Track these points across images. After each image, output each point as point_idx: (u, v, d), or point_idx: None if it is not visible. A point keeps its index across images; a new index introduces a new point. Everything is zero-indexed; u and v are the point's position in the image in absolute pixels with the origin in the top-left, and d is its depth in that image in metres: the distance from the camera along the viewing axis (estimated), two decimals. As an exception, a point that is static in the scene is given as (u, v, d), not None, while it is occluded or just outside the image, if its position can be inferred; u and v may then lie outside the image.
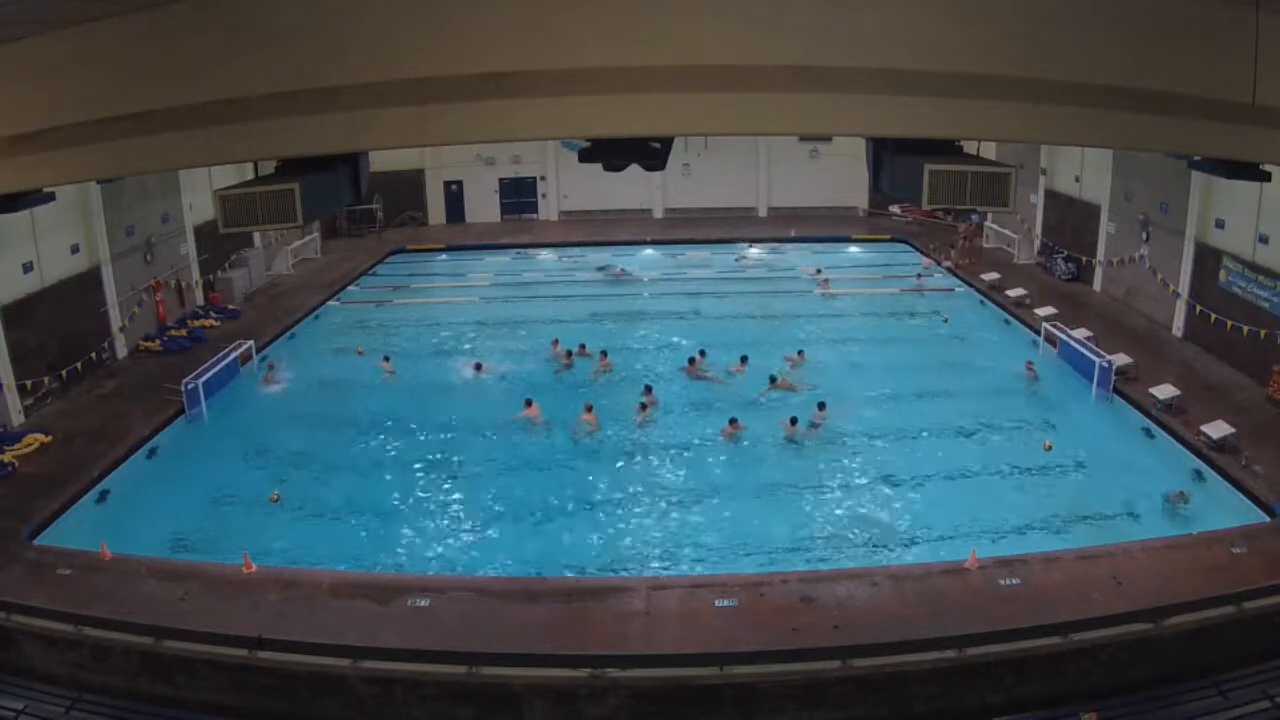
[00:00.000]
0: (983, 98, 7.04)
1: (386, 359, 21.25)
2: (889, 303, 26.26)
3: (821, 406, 17.82)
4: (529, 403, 17.85)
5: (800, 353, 20.98)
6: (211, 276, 25.77)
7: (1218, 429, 15.55)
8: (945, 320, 24.39)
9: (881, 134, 8.39)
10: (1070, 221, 27.22)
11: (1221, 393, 17.76)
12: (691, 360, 20.64)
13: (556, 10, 6.85)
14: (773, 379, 18.79)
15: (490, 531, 14.39)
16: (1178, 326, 21.36)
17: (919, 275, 28.00)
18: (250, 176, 8.68)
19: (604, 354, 21.03)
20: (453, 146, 28.78)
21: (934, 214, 32.16)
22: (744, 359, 20.49)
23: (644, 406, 17.92)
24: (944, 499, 15.01)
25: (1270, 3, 6.81)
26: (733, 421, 17.10)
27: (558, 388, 19.78)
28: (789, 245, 32.53)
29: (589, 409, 17.77)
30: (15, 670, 11.29)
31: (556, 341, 21.80)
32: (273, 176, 8.47)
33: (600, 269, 30.07)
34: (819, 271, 28.03)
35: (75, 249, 19.89)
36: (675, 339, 22.90)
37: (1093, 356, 18.88)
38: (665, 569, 13.27)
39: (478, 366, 20.61)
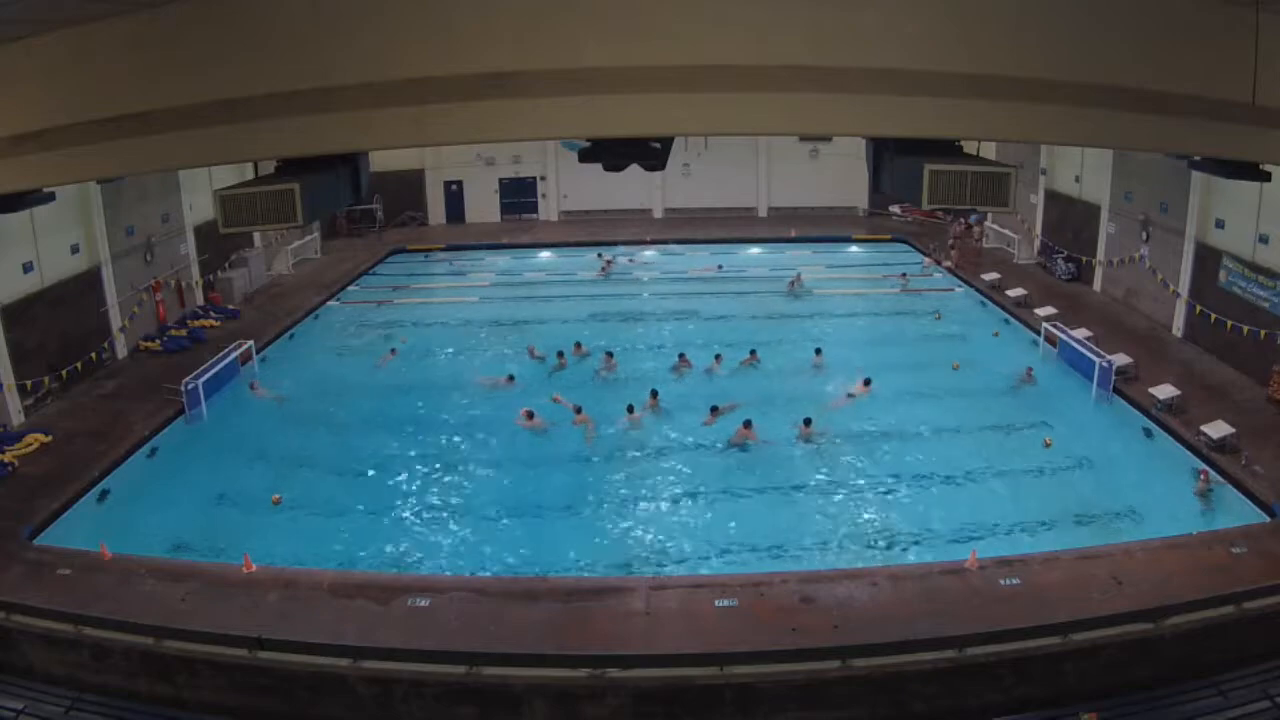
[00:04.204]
0: (983, 98, 7.04)
1: (393, 350, 21.91)
2: (888, 302, 26.25)
3: (867, 383, 18.71)
4: (530, 415, 17.68)
5: (818, 351, 21.14)
6: (211, 276, 25.76)
7: (1218, 429, 15.55)
8: (938, 317, 24.42)
9: (881, 134, 8.39)
10: (1070, 221, 27.22)
11: (1221, 393, 17.76)
12: (681, 356, 20.73)
13: (556, 10, 6.85)
14: (714, 408, 17.89)
15: (490, 531, 14.38)
16: (1178, 326, 21.36)
17: (904, 275, 28.00)
18: (250, 176, 8.68)
19: (609, 355, 21.04)
20: (453, 146, 28.76)
21: (934, 214, 32.14)
22: (753, 352, 20.92)
23: (631, 409, 17.82)
24: (944, 499, 15.02)
25: (1270, 3, 6.82)
26: (747, 424, 16.93)
27: (555, 389, 19.70)
28: (788, 245, 32.50)
29: (578, 411, 17.78)
30: (15, 670, 11.29)
31: (533, 348, 21.79)
32: (273, 176, 8.47)
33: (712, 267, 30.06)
34: (799, 279, 27.77)
35: (75, 249, 19.89)
36: (680, 338, 22.93)
37: (1093, 356, 18.88)
38: (665, 569, 13.26)
39: (510, 379, 20.15)
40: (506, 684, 10.50)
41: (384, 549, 13.86)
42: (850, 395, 18.70)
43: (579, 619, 11.16)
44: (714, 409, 17.84)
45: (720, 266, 30.03)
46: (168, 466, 16.45)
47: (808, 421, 17.04)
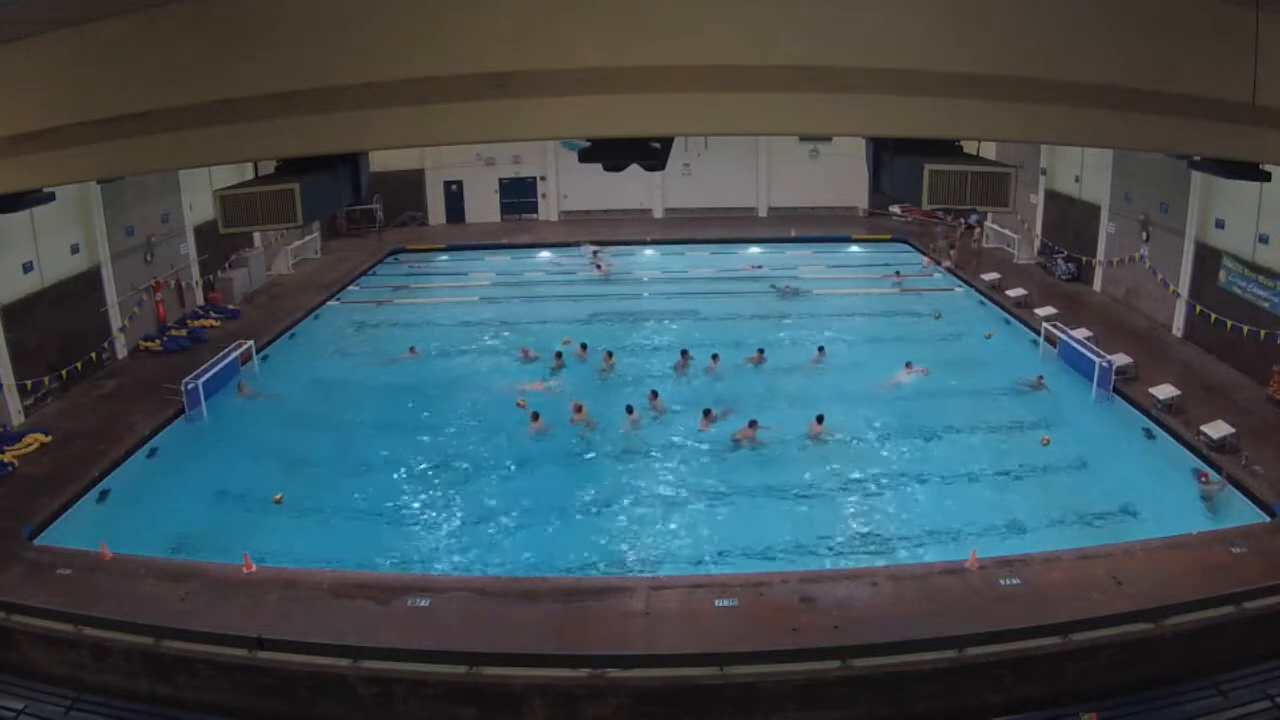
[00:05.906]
0: (983, 98, 7.04)
1: (411, 349, 22.11)
2: (888, 302, 26.22)
3: (908, 366, 19.73)
4: (535, 417, 17.57)
5: (821, 349, 21.24)
6: (211, 276, 25.77)
7: (1218, 429, 15.55)
8: (937, 316, 24.43)
9: (881, 134, 8.39)
10: (1070, 221, 27.22)
11: (1221, 393, 17.76)
12: (684, 354, 20.75)
13: (556, 10, 6.85)
14: (707, 412, 17.73)
15: (490, 531, 14.38)
16: (1178, 326, 21.37)
17: (898, 274, 28.02)
18: (250, 176, 8.68)
19: (609, 354, 21.04)
20: (453, 146, 28.74)
21: (934, 214, 32.13)
22: (760, 351, 21.04)
23: (630, 410, 17.79)
24: (944, 499, 15.01)
25: (1270, 3, 6.82)
26: (752, 424, 16.94)
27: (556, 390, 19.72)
28: (788, 245, 32.48)
29: (578, 409, 17.77)
30: (15, 670, 11.28)
31: (526, 350, 21.78)
32: (273, 176, 8.47)
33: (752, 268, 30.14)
34: (789, 286, 27.70)
35: (75, 249, 19.90)
36: (680, 338, 22.89)
37: (1093, 356, 18.88)
38: (665, 569, 13.25)
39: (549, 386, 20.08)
40: (506, 684, 10.50)
41: (384, 549, 13.85)
42: (899, 381, 19.25)
43: (579, 619, 11.17)
44: (707, 413, 17.74)
45: (759, 266, 30.00)
46: (168, 466, 16.46)
47: (820, 419, 17.02)
